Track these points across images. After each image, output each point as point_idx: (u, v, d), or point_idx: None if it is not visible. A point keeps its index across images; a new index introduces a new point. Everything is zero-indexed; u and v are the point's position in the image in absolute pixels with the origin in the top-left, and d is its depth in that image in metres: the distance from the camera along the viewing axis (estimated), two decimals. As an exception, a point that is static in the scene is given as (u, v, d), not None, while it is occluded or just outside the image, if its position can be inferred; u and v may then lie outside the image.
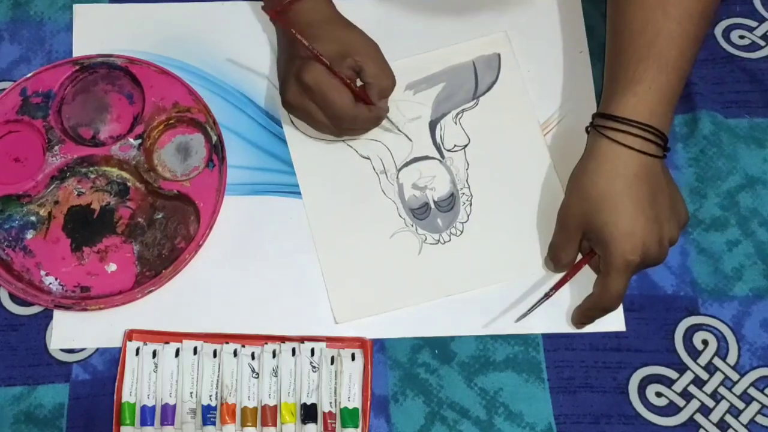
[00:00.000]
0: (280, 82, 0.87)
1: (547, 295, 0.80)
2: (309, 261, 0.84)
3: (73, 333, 0.82)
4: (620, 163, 0.76)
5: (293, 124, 0.89)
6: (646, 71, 0.77)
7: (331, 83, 0.82)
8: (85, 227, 0.85)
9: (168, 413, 0.78)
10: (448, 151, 0.88)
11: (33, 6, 0.94)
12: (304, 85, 0.82)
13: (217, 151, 0.87)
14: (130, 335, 0.80)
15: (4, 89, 0.88)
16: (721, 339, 0.82)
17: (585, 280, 0.81)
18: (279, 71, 0.88)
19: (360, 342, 0.81)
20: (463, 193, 0.87)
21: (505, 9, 0.93)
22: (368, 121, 0.86)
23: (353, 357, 0.80)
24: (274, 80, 0.90)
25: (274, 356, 0.80)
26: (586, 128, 0.81)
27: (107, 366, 0.81)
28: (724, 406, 0.80)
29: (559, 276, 0.82)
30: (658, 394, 0.80)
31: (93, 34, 0.92)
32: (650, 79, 0.77)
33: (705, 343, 0.82)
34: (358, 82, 0.84)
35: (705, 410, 0.80)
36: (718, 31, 0.94)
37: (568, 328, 0.82)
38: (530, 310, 0.80)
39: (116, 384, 0.78)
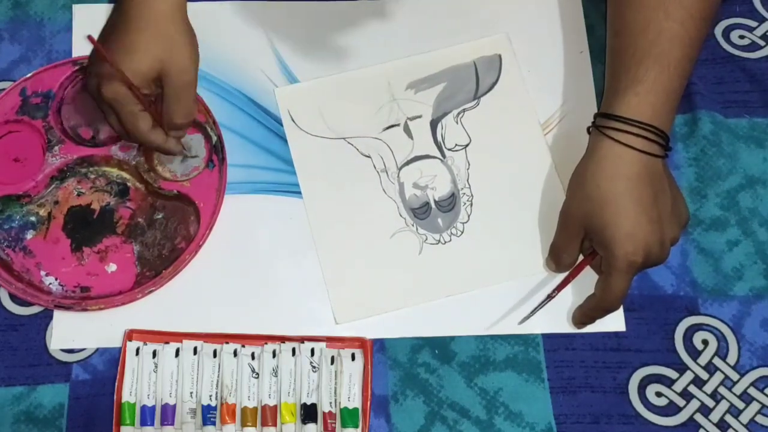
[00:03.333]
0: (88, 63, 0.83)
1: (549, 297, 0.80)
2: (309, 261, 0.84)
3: (73, 333, 0.82)
4: (622, 163, 0.76)
5: (294, 123, 0.89)
6: (648, 71, 0.77)
7: (129, 105, 0.78)
8: (85, 227, 0.85)
9: (168, 413, 0.78)
10: (449, 150, 0.88)
11: (33, 6, 0.94)
12: (102, 97, 0.79)
13: (217, 151, 0.87)
14: (130, 335, 0.80)
15: (4, 89, 0.88)
16: (721, 339, 0.82)
17: (586, 280, 0.81)
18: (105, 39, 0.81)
19: (360, 342, 0.81)
20: (464, 193, 0.87)
21: (505, 9, 0.93)
22: (161, 150, 0.83)
23: (353, 357, 0.80)
24: (274, 79, 0.90)
25: (274, 356, 0.80)
26: (588, 128, 0.81)
27: (107, 366, 0.80)
28: (724, 406, 0.80)
29: (560, 277, 0.82)
30: (658, 394, 0.80)
31: (93, 35, 0.92)
32: (652, 79, 0.77)
33: (705, 343, 0.82)
34: None
35: (705, 410, 0.80)
36: (718, 31, 0.94)
37: (568, 328, 0.82)
38: (533, 312, 0.80)
39: (116, 384, 0.78)
